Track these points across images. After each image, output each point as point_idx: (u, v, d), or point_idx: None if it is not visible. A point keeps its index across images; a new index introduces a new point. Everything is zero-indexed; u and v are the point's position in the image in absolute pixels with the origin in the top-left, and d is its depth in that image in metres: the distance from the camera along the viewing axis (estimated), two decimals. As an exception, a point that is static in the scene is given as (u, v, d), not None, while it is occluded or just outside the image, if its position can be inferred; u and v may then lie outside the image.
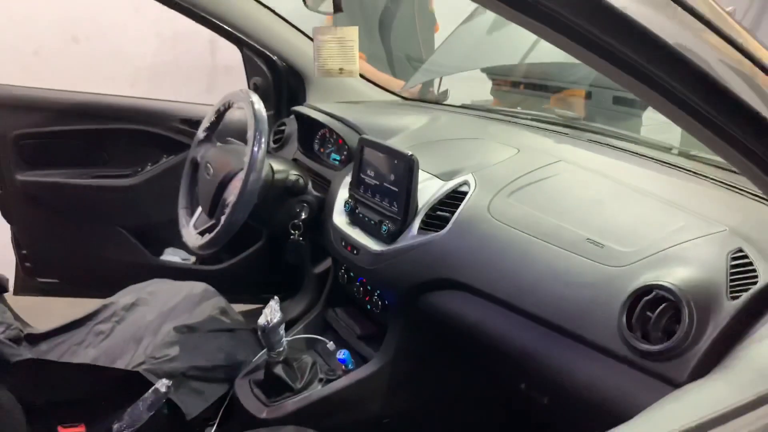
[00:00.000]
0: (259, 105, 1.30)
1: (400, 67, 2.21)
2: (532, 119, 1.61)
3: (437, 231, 1.11)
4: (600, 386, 0.87)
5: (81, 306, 1.93)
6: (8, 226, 1.98)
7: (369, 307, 1.33)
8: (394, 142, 1.37)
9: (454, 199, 1.14)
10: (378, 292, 1.30)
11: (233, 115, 1.55)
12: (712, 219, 0.91)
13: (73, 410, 1.19)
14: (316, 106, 1.61)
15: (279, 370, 1.24)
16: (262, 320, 1.20)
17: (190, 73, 2.84)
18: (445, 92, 2.23)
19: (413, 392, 1.27)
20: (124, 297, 1.62)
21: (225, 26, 1.74)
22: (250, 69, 1.87)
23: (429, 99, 2.08)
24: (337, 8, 0.92)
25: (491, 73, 1.98)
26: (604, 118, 1.62)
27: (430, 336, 1.21)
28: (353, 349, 1.35)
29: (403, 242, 1.15)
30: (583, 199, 1.07)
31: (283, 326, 1.22)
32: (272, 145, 1.78)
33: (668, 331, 0.79)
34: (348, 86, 1.87)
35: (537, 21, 0.51)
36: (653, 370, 0.79)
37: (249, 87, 1.89)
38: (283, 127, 1.76)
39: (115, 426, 1.16)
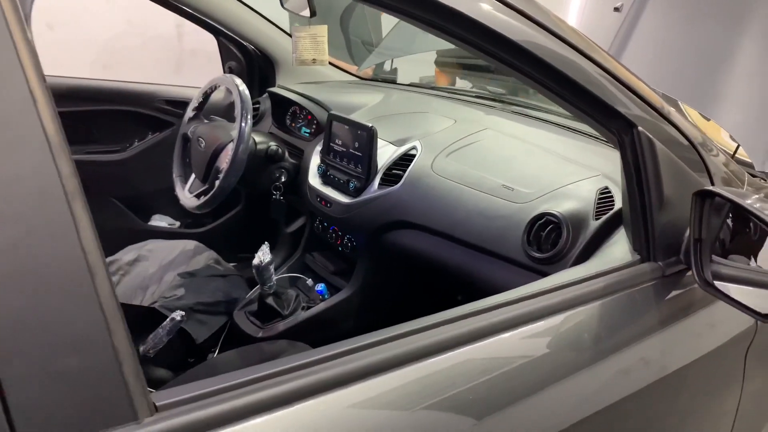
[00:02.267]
0: (243, 87, 1.58)
1: (358, 53, 2.51)
2: (467, 95, 1.94)
3: (392, 185, 1.43)
4: (510, 287, 1.21)
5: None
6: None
7: (340, 249, 1.66)
8: (356, 116, 1.68)
9: (405, 160, 1.46)
10: (348, 236, 1.62)
11: (214, 97, 1.83)
12: (592, 167, 1.27)
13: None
14: (288, 87, 1.90)
15: (270, 300, 1.55)
16: (256, 260, 1.50)
17: (159, 56, 3.05)
18: (395, 70, 2.54)
19: (376, 311, 1.61)
20: (125, 254, 1.88)
21: (202, 17, 1.99)
22: (226, 55, 2.13)
23: (381, 78, 2.39)
24: (313, 13, 1.21)
25: (439, 55, 2.30)
26: (525, 92, 1.97)
27: (389, 267, 1.54)
28: (328, 282, 1.68)
29: (366, 195, 1.47)
30: (502, 156, 1.41)
31: (273, 265, 1.53)
32: (249, 121, 2.05)
33: (554, 244, 1.14)
34: (312, 68, 2.15)
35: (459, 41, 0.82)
36: (544, 271, 1.14)
37: (224, 70, 2.16)
38: (257, 105, 2.04)
39: (141, 348, 1.45)
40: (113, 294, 0.53)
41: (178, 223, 2.32)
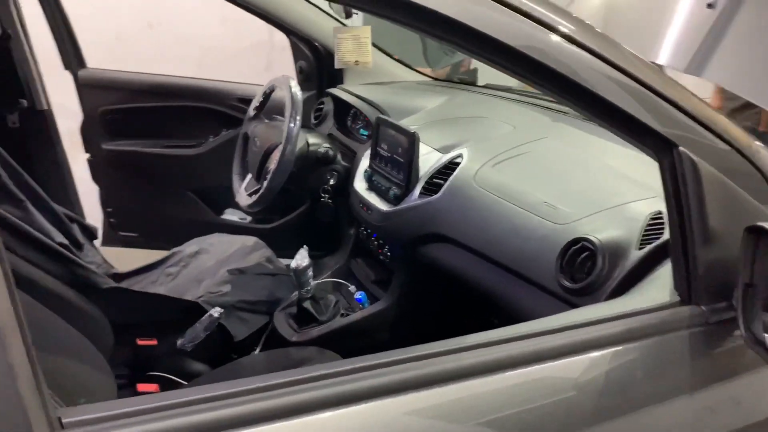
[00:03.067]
0: (296, 89, 1.57)
1: (432, 53, 2.43)
2: (541, 98, 1.81)
3: (433, 195, 1.35)
4: (538, 317, 1.10)
5: (155, 255, 2.30)
6: (97, 188, 2.36)
7: (381, 257, 1.60)
8: (408, 121, 1.62)
9: (449, 168, 1.38)
10: (387, 245, 1.56)
11: (280, 95, 1.83)
12: (650, 187, 1.12)
13: (148, 329, 1.53)
14: (346, 89, 1.87)
15: (307, 304, 1.53)
16: (293, 263, 1.49)
17: (250, 53, 3.15)
18: (474, 71, 2.43)
19: (413, 324, 1.54)
20: (189, 246, 1.95)
21: (274, 18, 2.01)
22: (297, 54, 2.14)
23: (457, 79, 2.30)
24: (348, 14, 1.16)
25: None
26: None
27: (425, 281, 1.47)
28: (368, 291, 1.64)
29: (405, 204, 1.40)
30: (552, 169, 1.29)
31: (310, 269, 1.51)
32: (313, 121, 2.05)
33: (589, 273, 1.02)
34: (383, 68, 2.11)
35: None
36: (575, 303, 1.02)
37: (295, 69, 2.17)
38: (321, 106, 2.02)
39: (179, 341, 1.49)
40: (12, 307, 0.52)
41: (249, 218, 2.37)
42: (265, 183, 1.58)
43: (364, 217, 1.53)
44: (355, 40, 1.30)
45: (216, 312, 1.48)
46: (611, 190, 1.15)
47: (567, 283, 1.02)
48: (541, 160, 1.34)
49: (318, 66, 2.10)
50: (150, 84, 2.19)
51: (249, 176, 1.77)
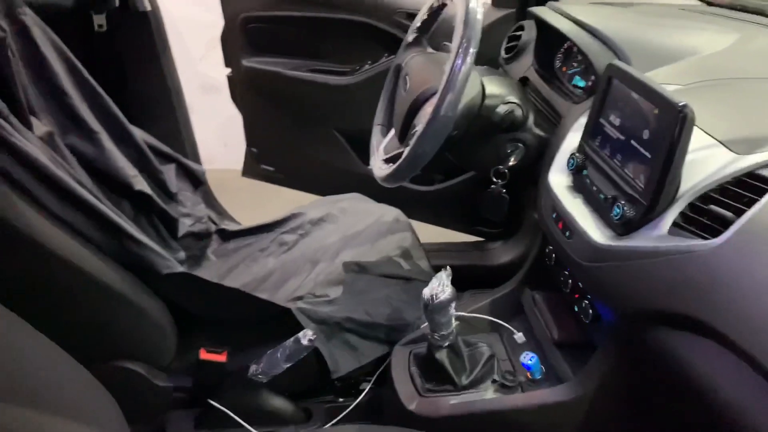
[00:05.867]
0: (474, 3, 0.94)
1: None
2: None
3: (705, 237, 0.67)
4: None
5: (293, 195, 1.91)
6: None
7: (576, 309, 0.96)
8: (661, 75, 0.91)
9: (748, 188, 0.68)
10: (592, 298, 0.91)
11: (454, 13, 1.21)
12: None
13: (219, 333, 1.11)
14: (562, 9, 1.18)
15: (442, 356, 0.96)
16: (426, 292, 0.93)
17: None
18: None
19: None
20: (314, 210, 1.52)
21: None
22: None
23: (740, 5, 1.45)
24: None
25: None
26: None
27: (654, 378, 0.81)
28: (545, 355, 1.01)
29: (642, 240, 0.73)
30: None
31: (453, 305, 0.93)
32: (503, 55, 1.40)
33: None
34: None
35: None
36: None
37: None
38: (520, 33, 1.36)
39: (252, 367, 1.04)
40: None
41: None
42: (407, 150, 1.01)
43: (558, 240, 0.88)
44: None
45: (305, 338, 1.00)
46: None
47: None
48: None
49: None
50: None
51: (392, 132, 1.22)
